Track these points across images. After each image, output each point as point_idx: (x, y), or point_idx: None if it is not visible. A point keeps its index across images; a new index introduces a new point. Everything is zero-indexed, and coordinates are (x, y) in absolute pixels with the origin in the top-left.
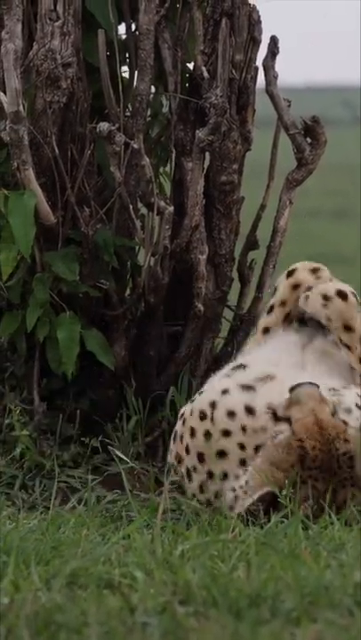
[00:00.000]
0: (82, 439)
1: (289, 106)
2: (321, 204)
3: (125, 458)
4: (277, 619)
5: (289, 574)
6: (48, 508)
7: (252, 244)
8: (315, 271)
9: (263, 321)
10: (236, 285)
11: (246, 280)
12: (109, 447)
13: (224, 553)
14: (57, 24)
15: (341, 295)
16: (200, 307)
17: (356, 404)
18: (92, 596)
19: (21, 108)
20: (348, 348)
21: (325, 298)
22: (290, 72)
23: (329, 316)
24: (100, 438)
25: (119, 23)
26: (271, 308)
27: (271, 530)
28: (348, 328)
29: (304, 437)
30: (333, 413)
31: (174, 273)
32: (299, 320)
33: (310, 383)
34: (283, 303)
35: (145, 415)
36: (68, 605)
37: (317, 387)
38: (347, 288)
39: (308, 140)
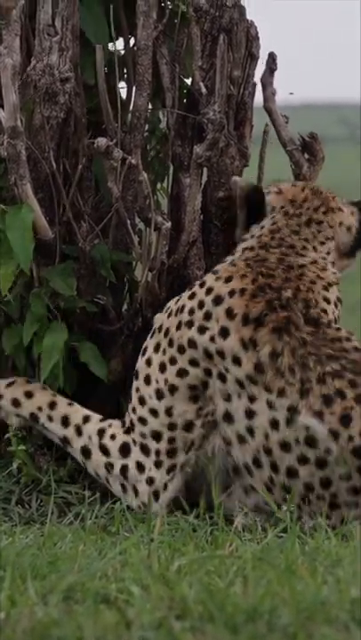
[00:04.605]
0: None
1: (287, 122)
2: None
3: None
4: (274, 634)
5: (286, 590)
6: (44, 524)
7: None
8: None
9: None
10: None
11: None
12: None
13: (221, 568)
14: (55, 39)
15: None
16: None
17: None
18: (89, 611)
19: (19, 122)
20: None
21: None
22: (286, 90)
23: None
24: None
25: (117, 38)
26: None
27: (268, 545)
28: None
29: None
30: None
31: (172, 288)
32: None
33: None
34: None
35: None
36: (64, 620)
37: None
38: None
39: (306, 156)
